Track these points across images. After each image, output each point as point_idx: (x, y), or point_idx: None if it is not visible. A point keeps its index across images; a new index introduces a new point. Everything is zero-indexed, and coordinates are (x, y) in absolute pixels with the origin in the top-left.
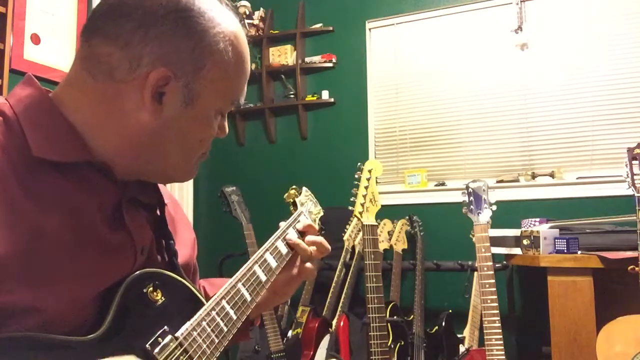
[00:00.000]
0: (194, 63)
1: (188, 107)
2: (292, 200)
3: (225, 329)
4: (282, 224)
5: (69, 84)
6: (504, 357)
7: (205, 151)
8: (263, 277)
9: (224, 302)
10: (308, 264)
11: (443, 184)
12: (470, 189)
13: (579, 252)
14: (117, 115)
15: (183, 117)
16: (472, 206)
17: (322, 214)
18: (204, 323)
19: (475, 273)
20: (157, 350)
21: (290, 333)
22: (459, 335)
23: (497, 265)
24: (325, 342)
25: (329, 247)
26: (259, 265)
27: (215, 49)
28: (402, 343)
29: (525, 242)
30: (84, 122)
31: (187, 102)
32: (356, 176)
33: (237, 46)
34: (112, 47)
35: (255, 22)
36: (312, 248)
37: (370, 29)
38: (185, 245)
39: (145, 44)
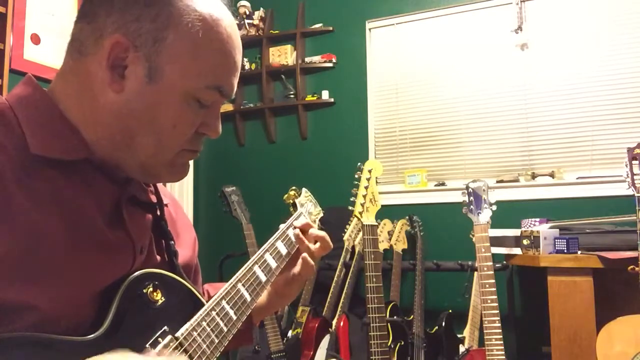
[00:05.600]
0: (154, 33)
1: (152, 83)
2: (291, 202)
3: (225, 329)
4: (282, 226)
5: (59, 75)
6: (504, 357)
7: (192, 149)
8: (263, 277)
9: (223, 303)
10: (308, 259)
11: (443, 184)
12: (470, 189)
13: (579, 252)
14: (90, 98)
15: (148, 94)
16: (472, 206)
17: (322, 214)
18: (204, 323)
19: (475, 273)
20: (156, 350)
21: (290, 333)
22: (459, 335)
23: (497, 265)
24: (325, 342)
25: (332, 243)
26: (259, 266)
27: (181, 22)
28: (402, 343)
29: (525, 242)
30: (75, 116)
31: (150, 76)
32: (356, 176)
33: (212, 27)
34: (82, 22)
35: (255, 22)
36: (314, 245)
37: (370, 29)
38: (186, 246)
39: (109, 15)
